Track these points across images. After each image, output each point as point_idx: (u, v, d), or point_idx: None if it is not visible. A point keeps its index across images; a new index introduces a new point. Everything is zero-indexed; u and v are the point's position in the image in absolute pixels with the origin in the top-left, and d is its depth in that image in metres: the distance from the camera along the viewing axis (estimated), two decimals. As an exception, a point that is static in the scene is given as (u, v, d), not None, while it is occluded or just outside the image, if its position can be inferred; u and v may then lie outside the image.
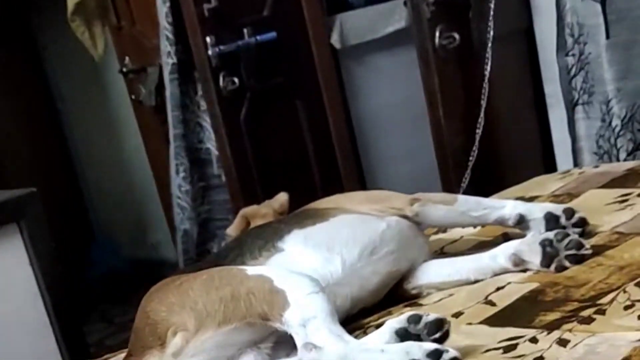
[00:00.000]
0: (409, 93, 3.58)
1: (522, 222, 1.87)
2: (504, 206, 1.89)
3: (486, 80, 2.95)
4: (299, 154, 3.78)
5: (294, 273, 1.56)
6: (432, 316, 1.47)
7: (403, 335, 1.46)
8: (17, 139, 4.85)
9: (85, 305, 4.13)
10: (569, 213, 1.84)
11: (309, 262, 1.70)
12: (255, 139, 3.62)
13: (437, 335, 1.45)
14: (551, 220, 1.83)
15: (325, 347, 1.42)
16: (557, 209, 1.86)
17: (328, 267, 1.70)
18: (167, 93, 3.69)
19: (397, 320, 1.49)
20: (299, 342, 1.45)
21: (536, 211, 1.87)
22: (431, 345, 1.39)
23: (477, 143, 3.00)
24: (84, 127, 5.18)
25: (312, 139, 3.80)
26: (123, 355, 1.72)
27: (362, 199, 1.93)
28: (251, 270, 1.57)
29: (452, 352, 1.38)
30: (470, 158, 3.00)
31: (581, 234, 1.79)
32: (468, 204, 1.90)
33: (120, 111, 4.66)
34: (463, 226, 2.04)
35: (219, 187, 3.84)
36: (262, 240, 1.76)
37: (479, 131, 3.00)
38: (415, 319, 1.47)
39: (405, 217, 1.85)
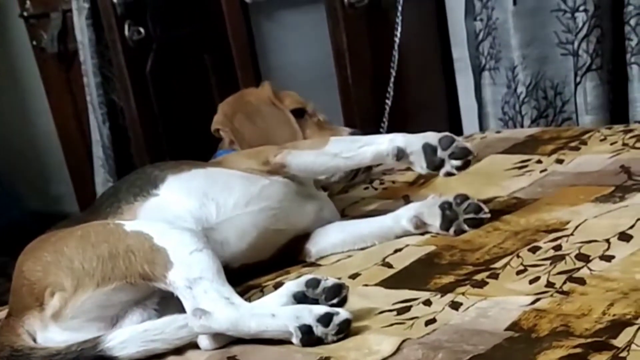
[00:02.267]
0: (320, 52, 3.54)
1: (401, 156, 1.74)
2: (382, 142, 1.76)
3: (396, 46, 2.94)
4: (206, 109, 3.70)
5: (175, 229, 1.53)
6: (330, 281, 1.47)
7: (300, 299, 1.45)
8: None
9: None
10: (446, 143, 1.70)
11: (184, 206, 1.67)
12: (161, 92, 3.55)
13: (334, 301, 1.45)
14: (429, 151, 1.72)
15: (214, 313, 1.40)
16: (435, 138, 1.72)
17: (202, 211, 1.68)
18: (84, 39, 3.56)
19: (295, 283, 1.48)
20: (187, 306, 1.43)
21: (415, 142, 1.73)
22: (321, 309, 1.38)
23: (387, 109, 2.99)
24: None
25: (219, 93, 3.73)
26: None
27: (240, 155, 1.90)
28: (129, 225, 1.53)
29: (343, 315, 1.37)
30: (382, 125, 2.99)
31: (460, 167, 1.71)
32: (340, 145, 1.80)
33: (21, 57, 4.50)
34: (339, 171, 1.97)
35: (128, 140, 3.76)
36: (137, 188, 1.72)
37: (388, 101, 2.99)
38: (313, 283, 1.46)
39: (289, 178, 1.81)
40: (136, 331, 1.44)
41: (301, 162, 1.80)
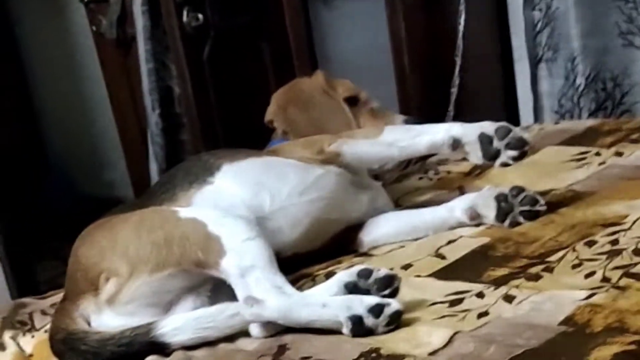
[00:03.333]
0: (377, 41, 3.53)
1: (457, 146, 1.74)
2: (438, 131, 1.75)
3: (460, 34, 2.90)
4: (262, 96, 3.71)
5: (228, 217, 1.53)
6: (382, 272, 1.46)
7: (352, 289, 1.45)
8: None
9: (36, 241, 4.07)
10: (503, 133, 1.70)
11: (238, 195, 1.67)
12: (218, 79, 3.56)
13: (386, 292, 1.44)
14: (485, 141, 1.71)
15: (266, 301, 1.40)
16: (491, 128, 1.71)
17: (256, 200, 1.68)
18: (138, 26, 3.59)
19: (347, 273, 1.47)
20: (239, 294, 1.43)
21: (471, 133, 1.72)
22: (373, 299, 1.37)
23: (453, 98, 2.96)
24: (43, 55, 5.06)
25: (275, 81, 3.73)
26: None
27: (294, 144, 1.89)
28: (184, 212, 1.54)
29: (394, 306, 1.36)
30: (448, 113, 2.96)
31: (516, 158, 1.71)
32: (395, 134, 1.79)
33: (81, 42, 4.54)
34: (393, 161, 1.95)
35: (182, 128, 3.78)
36: (192, 175, 1.73)
37: (454, 89, 2.96)
38: (365, 274, 1.46)
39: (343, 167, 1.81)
40: (189, 318, 1.45)
41: (356, 152, 1.80)
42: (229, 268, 1.45)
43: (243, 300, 1.42)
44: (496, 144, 1.69)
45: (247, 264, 1.44)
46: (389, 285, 1.45)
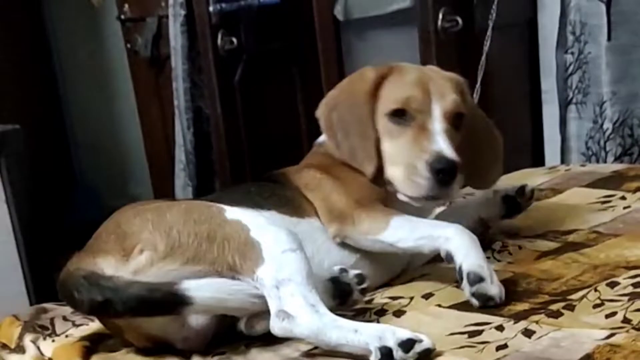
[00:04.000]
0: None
1: (450, 260, 1.61)
2: (440, 236, 1.61)
3: (481, 66, 2.91)
4: (290, 122, 3.77)
5: (272, 225, 1.52)
6: (355, 270, 1.60)
7: (335, 281, 1.56)
8: (7, 77, 4.79)
9: (59, 251, 4.10)
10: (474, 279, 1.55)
11: None
12: (247, 102, 3.60)
13: (363, 285, 1.58)
14: (473, 279, 1.55)
15: (298, 318, 1.39)
16: (480, 270, 1.55)
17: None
18: (177, 45, 3.64)
19: (327, 271, 1.59)
20: (271, 305, 1.42)
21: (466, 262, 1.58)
22: (405, 334, 1.37)
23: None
24: (77, 70, 5.14)
25: (304, 108, 3.78)
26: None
27: (316, 196, 1.77)
28: (230, 213, 1.52)
29: (426, 343, 1.36)
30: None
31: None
32: (398, 233, 1.67)
33: (115, 59, 4.62)
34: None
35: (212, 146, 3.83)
36: (240, 201, 1.67)
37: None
38: (344, 270, 1.59)
39: None
40: (214, 280, 1.44)
41: (360, 244, 1.73)
42: (264, 277, 1.43)
43: (275, 313, 1.41)
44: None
45: (283, 276, 1.42)
46: (363, 281, 1.58)
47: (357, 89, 1.76)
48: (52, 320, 1.78)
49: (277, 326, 1.41)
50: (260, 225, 1.50)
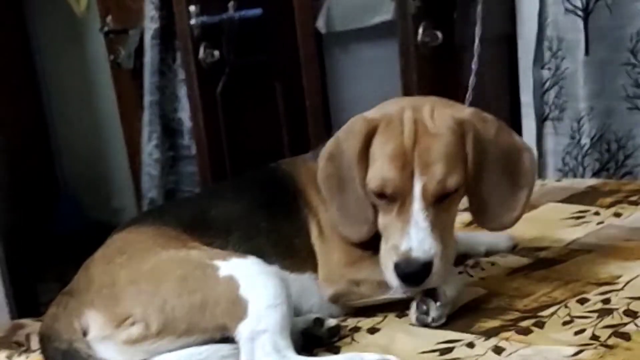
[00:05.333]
0: (389, 87, 3.57)
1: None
2: None
3: (471, 83, 2.92)
4: (272, 134, 3.77)
5: (262, 276, 1.50)
6: (332, 321, 1.58)
7: (308, 335, 1.55)
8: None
9: (42, 263, 4.09)
10: None
11: None
12: (229, 115, 3.60)
13: (335, 339, 1.56)
14: None
15: None
16: None
17: None
18: (147, 58, 3.66)
19: (303, 320, 1.57)
20: (242, 357, 1.44)
21: None
22: (372, 357, 1.40)
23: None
24: (60, 81, 5.13)
25: (287, 120, 3.79)
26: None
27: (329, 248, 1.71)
28: (224, 269, 1.50)
29: None
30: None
31: None
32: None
33: (98, 71, 4.61)
34: None
35: (188, 159, 3.83)
36: (246, 246, 1.65)
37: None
38: (320, 322, 1.57)
39: None
40: (180, 356, 1.46)
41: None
42: (243, 332, 1.44)
43: None
44: None
45: (260, 329, 1.43)
46: (337, 334, 1.57)
47: (349, 146, 1.62)
48: (27, 336, 1.79)
49: None
50: (251, 279, 1.49)
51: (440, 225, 1.54)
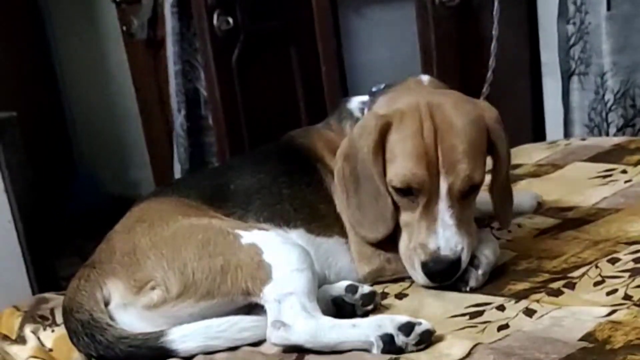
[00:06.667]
0: (406, 49, 3.53)
1: None
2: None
3: (493, 47, 2.86)
4: (289, 101, 3.74)
5: (286, 245, 1.51)
6: (367, 288, 1.53)
7: (340, 303, 1.51)
8: (3, 65, 4.75)
9: (60, 239, 4.08)
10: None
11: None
12: (245, 82, 3.57)
13: (369, 307, 1.52)
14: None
15: (294, 325, 1.40)
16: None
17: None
18: (168, 27, 3.61)
19: (334, 288, 1.54)
20: (269, 317, 1.43)
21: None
22: (403, 318, 1.38)
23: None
24: (72, 54, 5.11)
25: (303, 87, 3.75)
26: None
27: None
28: (246, 237, 1.51)
29: (425, 325, 1.36)
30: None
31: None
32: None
33: (110, 42, 4.58)
34: None
35: (206, 130, 3.80)
36: (268, 212, 1.67)
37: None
38: (352, 289, 1.52)
39: None
40: (199, 327, 1.45)
41: None
42: (269, 294, 1.45)
43: (271, 323, 1.42)
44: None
45: (286, 291, 1.44)
46: (371, 301, 1.52)
47: (363, 144, 1.59)
48: (52, 310, 1.78)
49: (273, 335, 1.41)
50: (274, 246, 1.50)
51: (465, 220, 1.55)
